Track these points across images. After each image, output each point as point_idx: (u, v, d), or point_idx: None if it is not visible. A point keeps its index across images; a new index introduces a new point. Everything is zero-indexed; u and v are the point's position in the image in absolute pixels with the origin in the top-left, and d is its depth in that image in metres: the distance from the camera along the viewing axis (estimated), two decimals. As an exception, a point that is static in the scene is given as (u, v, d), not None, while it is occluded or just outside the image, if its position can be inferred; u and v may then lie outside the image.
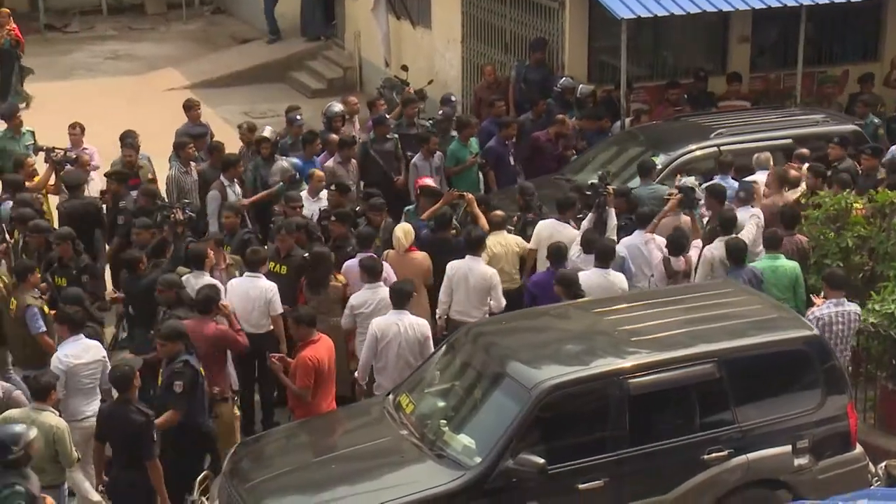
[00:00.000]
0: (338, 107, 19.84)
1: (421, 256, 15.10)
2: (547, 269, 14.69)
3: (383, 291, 13.99)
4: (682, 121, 19.22)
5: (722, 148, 17.47)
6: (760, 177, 16.56)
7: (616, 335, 12.31)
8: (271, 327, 14.35)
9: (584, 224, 15.31)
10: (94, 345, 13.19)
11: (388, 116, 19.67)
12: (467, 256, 14.86)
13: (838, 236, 14.92)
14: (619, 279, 14.32)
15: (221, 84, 27.47)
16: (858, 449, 12.48)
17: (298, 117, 19.37)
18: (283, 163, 17.86)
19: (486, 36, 22.95)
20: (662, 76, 21.57)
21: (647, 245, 15.01)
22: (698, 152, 17.67)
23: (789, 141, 17.67)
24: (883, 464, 11.35)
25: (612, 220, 15.27)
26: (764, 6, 19.92)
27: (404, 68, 22.76)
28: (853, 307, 13.68)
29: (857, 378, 14.02)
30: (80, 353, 12.98)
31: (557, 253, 14.58)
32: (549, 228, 15.52)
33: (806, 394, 12.21)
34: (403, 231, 15.20)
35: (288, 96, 26.01)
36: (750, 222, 15.21)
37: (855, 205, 15.16)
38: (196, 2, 33.48)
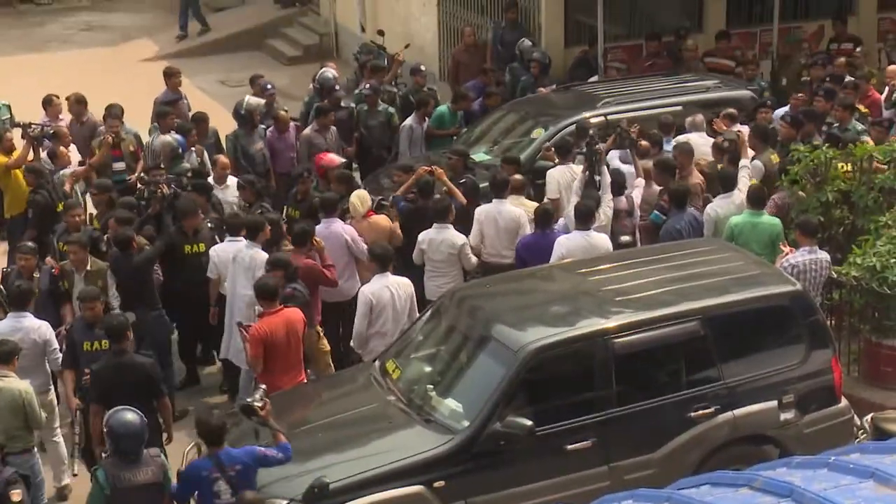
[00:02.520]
0: (331, 72, 19.74)
1: (381, 219, 15.08)
2: (533, 232, 14.70)
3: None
4: (570, 91, 18.90)
5: (609, 117, 17.11)
6: (694, 138, 16.52)
7: (600, 295, 12.33)
8: None
9: (576, 185, 15.25)
10: (31, 327, 12.93)
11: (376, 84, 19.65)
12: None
13: (818, 191, 14.95)
14: (601, 240, 14.33)
15: (197, 53, 27.40)
16: (843, 402, 12.53)
17: (269, 85, 19.26)
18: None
19: (463, -1, 22.90)
20: (639, 35, 21.53)
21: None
22: (583, 122, 16.95)
23: (679, 108, 17.34)
24: (868, 416, 11.47)
25: (606, 178, 15.21)
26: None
27: (380, 33, 22.68)
28: (824, 255, 13.82)
29: (840, 332, 14.09)
30: (9, 332, 12.76)
31: (545, 215, 14.61)
32: (561, 173, 15.76)
33: (790, 349, 12.25)
34: (359, 198, 15.17)
35: (264, 64, 25.92)
36: (742, 173, 15.21)
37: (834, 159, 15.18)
38: (170, -30, 33.27)
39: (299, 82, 21.12)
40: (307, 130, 18.29)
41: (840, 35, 21.41)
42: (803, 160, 15.09)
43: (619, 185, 15.15)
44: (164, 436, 12.19)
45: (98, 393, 11.95)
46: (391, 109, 19.07)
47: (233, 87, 23.57)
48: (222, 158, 16.95)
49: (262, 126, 18.29)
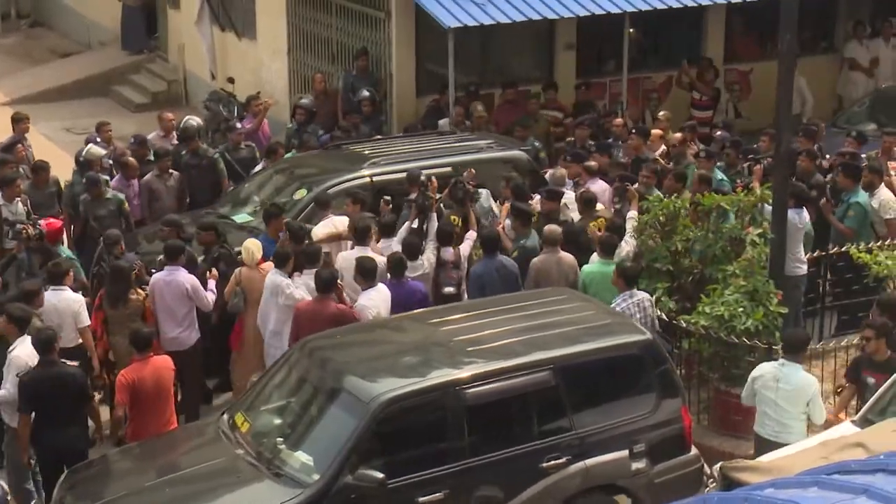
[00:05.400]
0: (195, 120, 19.71)
1: (269, 267, 15.00)
2: (388, 281, 14.73)
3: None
4: (339, 150, 18.65)
5: (374, 178, 17.07)
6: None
7: (452, 345, 12.34)
8: (80, 341, 14.22)
9: (402, 231, 15.42)
10: None
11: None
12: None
13: (668, 240, 15.15)
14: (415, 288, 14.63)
15: (42, 99, 26.97)
16: (693, 451, 12.69)
17: (98, 139, 19.12)
18: None
19: (313, 47, 22.91)
20: (491, 84, 21.73)
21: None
22: (348, 183, 16.92)
23: (448, 169, 16.89)
24: (717, 465, 11.55)
25: (433, 226, 15.39)
26: (587, 13, 20.25)
27: (230, 81, 22.61)
28: (643, 294, 14.05)
29: (690, 380, 14.26)
30: None
31: (399, 264, 14.59)
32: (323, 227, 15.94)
33: (641, 398, 12.37)
34: (255, 245, 15.16)
35: (112, 111, 25.63)
36: (629, 225, 15.43)
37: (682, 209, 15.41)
38: (13, 14, 32.80)
39: (147, 130, 20.90)
40: (148, 176, 18.18)
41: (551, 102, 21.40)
42: (653, 209, 15.28)
43: (447, 235, 15.24)
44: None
45: (25, 404, 12.40)
46: (216, 155, 18.99)
47: (78, 133, 23.21)
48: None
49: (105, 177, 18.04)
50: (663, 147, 18.73)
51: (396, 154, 17.87)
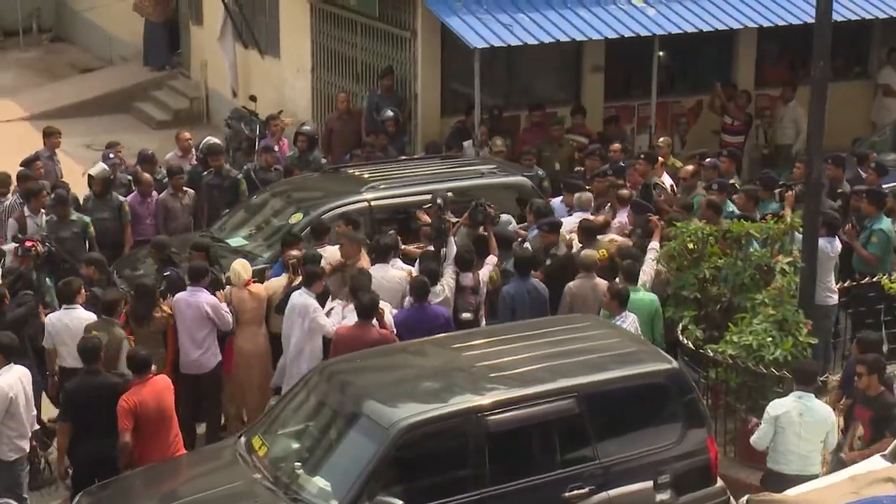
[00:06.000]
0: (214, 140, 19.71)
1: (260, 288, 15.02)
2: (410, 306, 14.68)
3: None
4: (336, 173, 18.53)
5: (373, 203, 16.93)
6: (574, 218, 16.63)
7: (474, 371, 12.27)
8: None
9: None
10: None
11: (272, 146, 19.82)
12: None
13: (696, 267, 15.08)
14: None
15: (62, 115, 26.94)
16: (719, 483, 12.60)
17: (111, 155, 19.10)
18: None
19: (337, 66, 22.91)
20: (517, 106, 21.69)
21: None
22: (345, 208, 16.78)
23: (449, 194, 16.16)
24: (744, 498, 11.48)
25: (452, 250, 15.29)
26: (616, 35, 20.20)
27: (253, 98, 22.63)
28: (633, 316, 14.13)
29: (716, 410, 14.18)
30: None
31: (422, 286, 14.54)
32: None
33: (666, 428, 12.30)
34: (242, 265, 15.14)
35: (132, 127, 25.70)
36: (649, 255, 15.37)
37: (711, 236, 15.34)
38: (34, 29, 32.92)
39: (167, 147, 20.93)
40: (163, 195, 18.23)
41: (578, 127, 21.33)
42: (680, 236, 15.21)
43: (465, 261, 15.14)
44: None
45: (66, 411, 12.76)
46: (239, 176, 18.97)
47: (98, 150, 23.20)
48: None
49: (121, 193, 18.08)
50: (666, 175, 18.59)
51: (396, 178, 17.74)
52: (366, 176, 17.76)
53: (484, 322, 15.10)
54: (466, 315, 14.97)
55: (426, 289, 14.54)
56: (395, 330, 14.17)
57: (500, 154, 19.70)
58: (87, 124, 26.50)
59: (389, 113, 20.53)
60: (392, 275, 15.12)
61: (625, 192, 17.29)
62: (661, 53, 21.14)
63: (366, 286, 14.28)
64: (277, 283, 15.18)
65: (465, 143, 20.14)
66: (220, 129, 23.44)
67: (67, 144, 24.13)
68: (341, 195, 17.24)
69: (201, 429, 15.14)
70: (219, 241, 17.05)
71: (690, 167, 18.64)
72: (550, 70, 22.41)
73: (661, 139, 20.10)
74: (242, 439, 12.46)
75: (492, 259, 15.60)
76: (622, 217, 16.85)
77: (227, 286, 15.03)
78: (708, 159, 18.98)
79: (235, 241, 17.15)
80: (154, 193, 18.31)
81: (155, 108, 27.48)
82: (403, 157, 19.79)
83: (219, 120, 24.59)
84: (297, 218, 16.88)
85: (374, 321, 13.92)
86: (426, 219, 16.00)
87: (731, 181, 18.16)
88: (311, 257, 14.95)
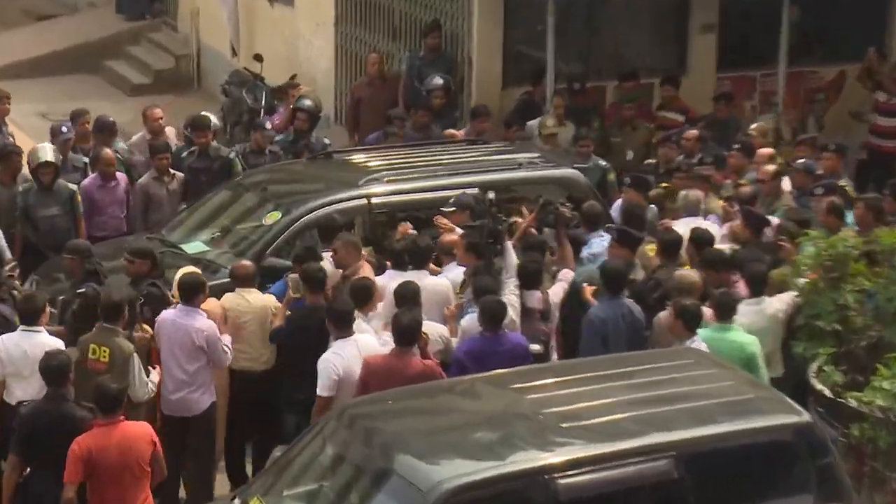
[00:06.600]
0: (212, 117, 19.88)
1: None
2: (481, 335, 14.55)
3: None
4: (330, 161, 18.69)
5: (373, 200, 16.91)
6: (684, 226, 16.62)
7: (541, 420, 12.23)
8: None
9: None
10: None
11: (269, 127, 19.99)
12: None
13: (834, 290, 14.93)
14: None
15: (12, 75, 27.10)
16: (863, 576, 12.55)
17: (65, 129, 19.24)
18: None
19: (369, 18, 23.04)
20: (602, 75, 21.65)
21: None
22: (337, 206, 16.81)
23: (475, 190, 16.44)
24: None
25: (512, 259, 15.14)
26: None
27: (258, 58, 22.69)
28: (702, 346, 14.13)
29: (860, 479, 14.03)
30: None
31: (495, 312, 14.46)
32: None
33: (794, 500, 12.26)
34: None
35: (101, 92, 25.89)
36: None
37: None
38: (-23, -35, 33.20)
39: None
40: (144, 178, 18.42)
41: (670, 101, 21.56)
42: (816, 249, 15.08)
43: (531, 275, 15.06)
44: None
45: (21, 446, 12.87)
46: (231, 155, 19.12)
47: (56, 120, 23.31)
48: None
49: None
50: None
51: (409, 168, 17.76)
52: (370, 164, 17.84)
53: (555, 356, 15.04)
54: (535, 347, 14.87)
55: (503, 313, 14.43)
56: (466, 365, 14.12)
57: (552, 139, 19.62)
58: (44, 86, 26.75)
59: (438, 80, 20.50)
60: (434, 283, 15.10)
61: (747, 188, 17.18)
62: (792, 9, 21.05)
63: (411, 297, 14.34)
64: (256, 299, 15.17)
65: (530, 124, 20.05)
66: (214, 97, 23.51)
67: (17, 112, 24.27)
68: (333, 189, 17.30)
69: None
70: (171, 245, 17.04)
71: (771, 167, 18.47)
72: (647, 29, 22.45)
73: (754, 126, 19.95)
74: (237, 501, 12.46)
75: (566, 274, 15.52)
76: (717, 226, 16.74)
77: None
78: (800, 160, 18.80)
79: (193, 246, 17.16)
80: (119, 175, 18.37)
81: (131, 69, 27.67)
82: (414, 142, 19.73)
83: (213, 85, 24.76)
84: (273, 218, 16.95)
85: (416, 349, 13.87)
86: (446, 223, 15.87)
87: (842, 183, 17.98)
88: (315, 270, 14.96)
